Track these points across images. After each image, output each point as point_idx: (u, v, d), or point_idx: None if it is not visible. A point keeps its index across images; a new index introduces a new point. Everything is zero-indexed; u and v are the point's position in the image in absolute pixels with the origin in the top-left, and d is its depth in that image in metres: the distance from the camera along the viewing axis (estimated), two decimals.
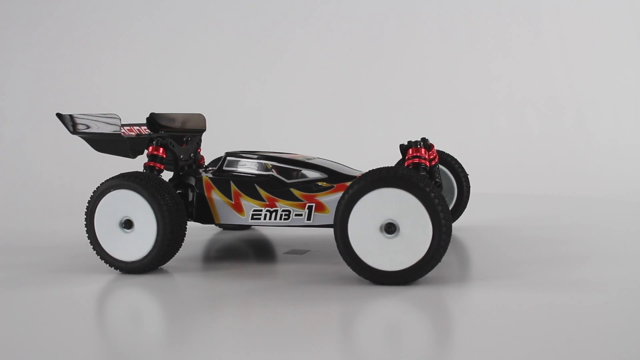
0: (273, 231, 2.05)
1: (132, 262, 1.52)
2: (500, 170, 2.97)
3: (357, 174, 1.63)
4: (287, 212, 1.56)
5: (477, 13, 3.44)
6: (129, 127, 1.77)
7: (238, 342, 1.09)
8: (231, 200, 1.60)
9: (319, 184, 1.58)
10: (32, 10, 3.34)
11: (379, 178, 1.33)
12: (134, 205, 1.50)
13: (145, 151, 1.71)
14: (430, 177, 1.73)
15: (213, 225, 2.03)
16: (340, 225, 1.36)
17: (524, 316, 1.16)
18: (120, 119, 1.65)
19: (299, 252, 1.73)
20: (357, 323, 1.20)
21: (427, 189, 1.31)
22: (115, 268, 1.54)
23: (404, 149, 1.60)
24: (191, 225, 1.74)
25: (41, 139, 3.10)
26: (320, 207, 1.53)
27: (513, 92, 3.34)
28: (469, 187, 1.92)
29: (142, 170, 1.64)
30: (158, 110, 1.80)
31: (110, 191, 1.52)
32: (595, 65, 3.38)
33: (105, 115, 1.66)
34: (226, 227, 2.12)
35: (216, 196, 1.62)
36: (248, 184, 1.61)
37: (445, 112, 3.31)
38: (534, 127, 3.28)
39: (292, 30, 3.51)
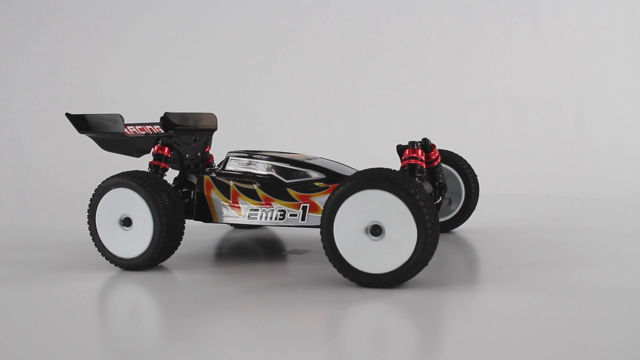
0: (283, 230, 2.06)
1: (131, 259, 1.55)
2: (500, 171, 2.93)
3: None
4: (282, 212, 1.56)
5: (477, 13, 3.43)
6: (140, 127, 1.80)
7: (218, 344, 1.09)
8: (229, 199, 1.62)
9: (316, 184, 1.58)
10: (34, 9, 3.39)
11: (364, 180, 1.32)
12: (132, 203, 1.54)
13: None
14: (433, 178, 1.70)
15: (225, 224, 2.05)
16: (326, 227, 1.35)
17: (513, 320, 1.14)
18: (123, 119, 1.69)
19: (298, 252, 1.73)
20: (344, 327, 1.18)
21: (413, 191, 1.28)
22: (116, 265, 1.58)
23: (400, 149, 1.58)
24: (201, 224, 1.77)
25: (41, 139, 3.16)
26: (314, 208, 1.53)
27: (513, 92, 3.31)
28: (477, 188, 1.88)
29: (147, 169, 1.68)
30: (158, 110, 1.83)
31: (110, 189, 1.56)
32: (596, 65, 3.32)
33: (109, 115, 1.70)
34: (238, 225, 2.14)
35: (215, 195, 1.64)
36: (247, 184, 1.62)
37: (446, 112, 3.30)
38: (534, 127, 3.24)
39: (293, 31, 3.53)
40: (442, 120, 3.26)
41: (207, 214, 1.66)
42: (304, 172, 1.63)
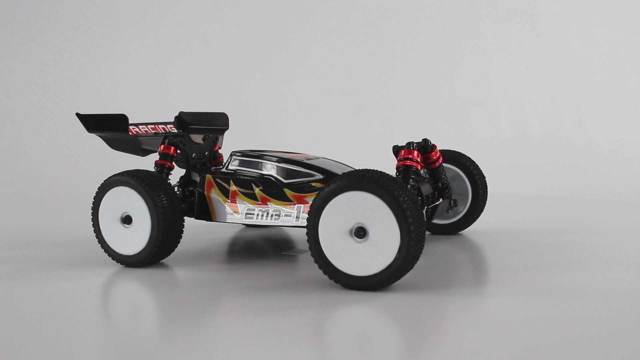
0: (293, 230, 2.06)
1: (131, 256, 1.59)
2: (500, 171, 2.86)
3: None
4: (278, 212, 1.56)
5: (477, 13, 3.37)
6: (152, 126, 1.84)
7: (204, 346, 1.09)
8: (228, 199, 1.64)
9: (312, 184, 1.58)
10: (35, 9, 3.44)
11: (348, 181, 1.31)
12: (132, 201, 1.58)
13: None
14: (435, 179, 1.67)
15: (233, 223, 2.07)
16: (312, 227, 1.35)
17: (513, 321, 1.13)
18: (128, 119, 1.73)
19: (298, 252, 1.73)
20: (330, 330, 1.17)
21: (396, 193, 1.26)
22: (117, 261, 1.62)
23: (396, 150, 1.55)
24: (215, 222, 1.80)
25: (41, 139, 3.22)
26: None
27: (513, 92, 3.25)
28: (485, 190, 1.83)
29: (153, 168, 1.72)
30: (158, 110, 1.87)
31: (112, 187, 1.60)
32: (595, 65, 3.23)
33: (115, 115, 1.74)
34: (249, 225, 2.15)
35: (215, 195, 1.66)
36: (245, 184, 1.63)
37: (446, 112, 3.25)
38: (534, 127, 3.17)
39: (294, 31, 3.53)
40: (442, 121, 3.24)
41: (207, 213, 1.68)
42: (304, 172, 1.63)
